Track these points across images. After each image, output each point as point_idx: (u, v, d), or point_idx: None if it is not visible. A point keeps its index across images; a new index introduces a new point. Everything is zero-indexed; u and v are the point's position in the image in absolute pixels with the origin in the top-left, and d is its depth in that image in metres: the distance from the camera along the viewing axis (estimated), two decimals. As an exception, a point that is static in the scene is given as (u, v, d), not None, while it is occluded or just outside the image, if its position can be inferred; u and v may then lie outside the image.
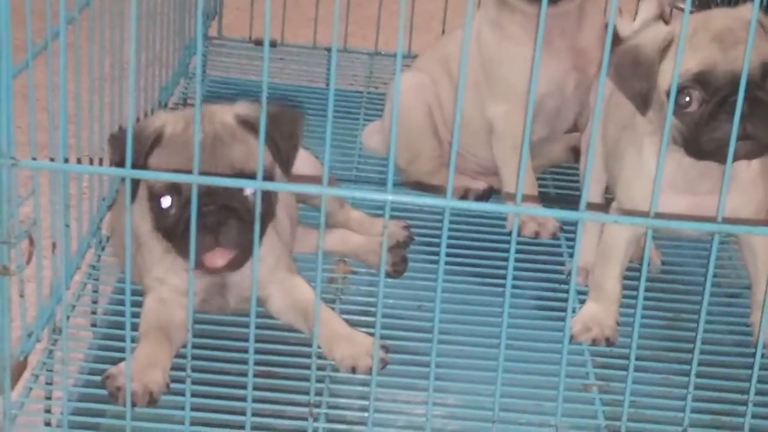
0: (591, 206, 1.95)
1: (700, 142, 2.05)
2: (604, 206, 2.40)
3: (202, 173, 1.85)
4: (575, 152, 3.04)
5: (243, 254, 2.05)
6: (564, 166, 3.08)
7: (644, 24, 2.53)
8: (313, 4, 3.58)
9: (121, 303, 2.04)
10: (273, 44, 3.64)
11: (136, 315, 2.16)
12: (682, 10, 1.88)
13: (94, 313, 2.37)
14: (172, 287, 2.19)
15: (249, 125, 2.08)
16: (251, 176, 1.88)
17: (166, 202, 2.05)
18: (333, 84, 1.79)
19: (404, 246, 2.63)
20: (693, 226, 1.88)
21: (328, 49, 3.65)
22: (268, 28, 1.67)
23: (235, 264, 2.07)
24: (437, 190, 2.87)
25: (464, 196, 2.87)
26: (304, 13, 3.76)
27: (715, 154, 2.03)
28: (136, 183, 2.03)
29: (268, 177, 2.04)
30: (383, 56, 3.67)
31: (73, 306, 2.32)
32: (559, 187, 3.01)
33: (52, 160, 1.97)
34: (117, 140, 2.10)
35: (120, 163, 2.03)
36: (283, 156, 2.08)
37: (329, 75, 1.82)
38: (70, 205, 2.17)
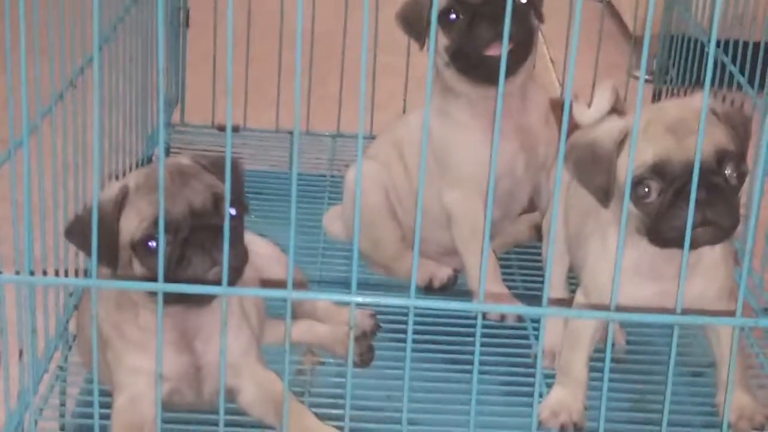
0: (553, 301, 2.00)
1: (661, 231, 2.08)
2: (568, 296, 2.42)
3: (183, 203, 2.04)
4: (538, 231, 3.07)
5: (237, 270, 2.09)
6: (527, 245, 3.11)
7: (600, 111, 2.58)
8: (275, 86, 3.62)
9: (90, 404, 2.04)
10: (236, 129, 3.67)
11: (106, 416, 2.16)
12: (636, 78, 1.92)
13: (62, 416, 2.37)
14: (146, 375, 2.19)
15: (205, 166, 2.16)
16: (223, 197, 2.03)
17: (153, 243, 2.08)
18: (295, 175, 1.82)
19: (371, 334, 2.64)
20: (654, 319, 1.92)
21: (291, 133, 3.69)
22: (229, 116, 1.70)
23: (233, 279, 2.09)
24: (403, 275, 2.89)
25: (430, 283, 2.89)
26: (267, 95, 3.80)
27: (678, 242, 2.03)
28: (114, 251, 2.06)
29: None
30: (346, 138, 3.70)
31: (41, 410, 2.32)
32: (523, 267, 3.04)
33: (17, 272, 1.98)
34: (75, 229, 2.13)
35: (87, 250, 2.08)
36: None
37: (291, 160, 1.85)
38: (36, 311, 2.17)
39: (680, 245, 2.02)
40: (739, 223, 2.09)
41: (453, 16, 2.67)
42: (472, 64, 2.69)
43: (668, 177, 2.05)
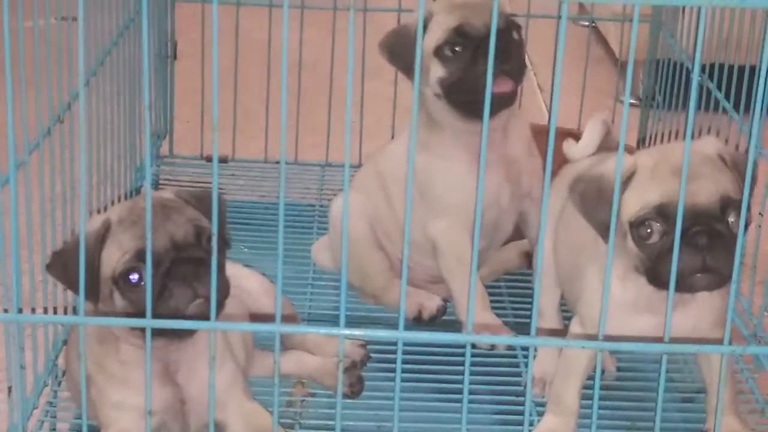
0: (543, 330, 2.00)
1: (660, 272, 2.08)
2: (561, 325, 2.41)
3: (164, 236, 2.05)
4: (528, 258, 3.07)
5: (218, 302, 2.03)
6: (517, 273, 3.11)
7: (590, 145, 2.59)
8: (264, 116, 3.62)
9: (80, 440, 2.04)
10: (224, 160, 3.68)
11: (95, 453, 2.16)
12: (623, 103, 1.93)
13: (52, 452, 2.36)
14: (130, 410, 2.18)
15: (187, 200, 2.17)
16: (207, 230, 2.08)
17: (135, 277, 2.08)
18: (282, 205, 1.82)
19: (361, 365, 2.64)
20: (642, 348, 1.93)
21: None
22: (215, 145, 1.70)
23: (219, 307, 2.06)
24: (392, 305, 2.89)
25: (419, 315, 2.89)
26: (255, 123, 3.81)
27: (677, 284, 2.00)
28: (95, 284, 2.06)
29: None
30: (334, 167, 3.70)
31: (30, 446, 2.31)
32: (513, 295, 3.04)
33: (5, 311, 1.98)
34: (56, 263, 2.14)
35: (69, 284, 2.08)
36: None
37: (280, 189, 1.86)
38: (24, 348, 2.17)
39: (678, 288, 2.01)
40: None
41: (456, 48, 2.66)
42: (468, 99, 2.66)
43: (672, 220, 2.02)
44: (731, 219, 2.07)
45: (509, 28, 2.66)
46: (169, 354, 2.18)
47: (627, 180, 2.11)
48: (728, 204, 2.06)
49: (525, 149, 2.81)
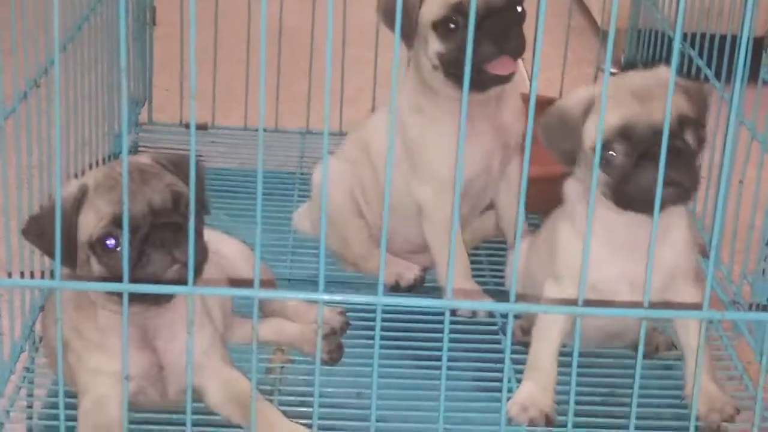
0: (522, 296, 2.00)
1: (627, 191, 2.16)
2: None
3: (142, 201, 2.05)
4: (505, 225, 3.08)
5: (197, 267, 2.02)
6: (496, 240, 3.10)
7: None
8: (244, 83, 3.60)
9: (57, 406, 2.02)
10: (204, 127, 3.66)
11: (72, 418, 2.15)
12: (604, 72, 1.95)
13: (30, 418, 2.35)
14: (108, 376, 2.17)
15: (164, 165, 2.16)
16: (184, 195, 2.07)
17: (111, 242, 2.07)
18: (260, 172, 1.81)
19: (341, 332, 2.63)
20: (621, 313, 1.94)
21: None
22: (193, 110, 1.69)
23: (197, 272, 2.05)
24: (372, 273, 2.89)
25: (396, 284, 2.88)
26: (234, 93, 3.78)
27: (643, 201, 2.13)
28: (72, 249, 2.05)
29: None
30: (314, 135, 3.68)
31: (7, 411, 2.30)
32: (493, 263, 3.04)
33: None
34: (32, 228, 2.13)
35: (45, 250, 2.07)
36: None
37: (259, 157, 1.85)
38: (1, 313, 2.16)
39: (645, 206, 2.11)
40: (699, 185, 2.19)
41: (453, 25, 2.63)
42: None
43: (633, 140, 2.14)
44: (688, 136, 2.17)
45: (513, 2, 2.63)
46: (146, 319, 2.18)
47: (587, 109, 2.21)
48: (685, 122, 2.16)
49: (517, 115, 2.80)
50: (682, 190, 2.16)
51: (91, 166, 2.96)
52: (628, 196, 2.16)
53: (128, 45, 3.49)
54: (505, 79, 2.66)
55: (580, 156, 2.23)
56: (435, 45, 2.67)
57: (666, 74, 2.22)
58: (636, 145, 2.14)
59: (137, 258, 2.05)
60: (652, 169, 2.10)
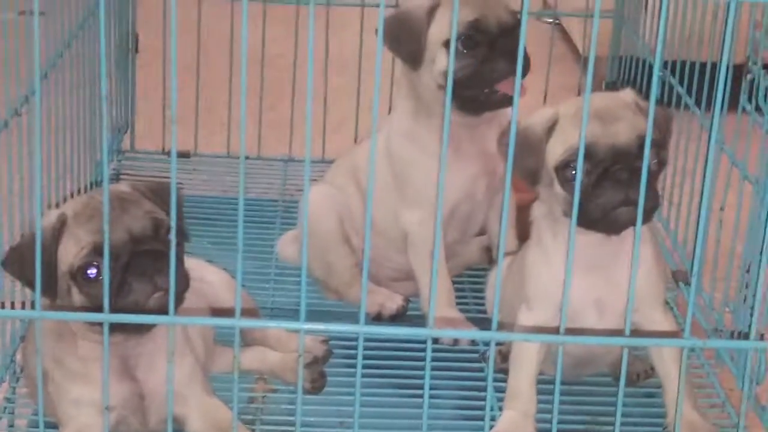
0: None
1: (588, 210, 2.17)
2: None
3: (122, 229, 2.04)
4: (488, 252, 3.08)
5: (178, 295, 2.04)
6: (479, 268, 3.10)
7: None
8: (227, 110, 3.60)
9: (38, 437, 2.01)
10: (186, 155, 3.65)
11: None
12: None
13: (9, 448, 2.34)
14: (89, 406, 2.16)
15: (143, 193, 2.16)
16: (165, 223, 2.07)
17: (92, 271, 2.06)
18: (242, 199, 1.81)
19: (323, 361, 2.62)
20: (603, 341, 1.93)
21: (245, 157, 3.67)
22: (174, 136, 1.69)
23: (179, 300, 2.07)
24: (355, 301, 2.88)
25: (379, 314, 2.87)
26: (218, 119, 3.78)
27: (603, 220, 2.19)
28: (52, 279, 2.04)
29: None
30: (297, 162, 3.68)
31: (-13, 442, 2.29)
32: (476, 290, 3.03)
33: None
34: (11, 259, 2.12)
35: (25, 280, 2.06)
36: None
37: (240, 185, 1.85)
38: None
39: (605, 224, 2.19)
40: (659, 206, 2.23)
41: (470, 43, 2.62)
42: (475, 95, 2.66)
43: (594, 159, 2.17)
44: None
45: (518, 24, 2.65)
46: (127, 349, 2.17)
47: (550, 129, 2.24)
48: (645, 143, 2.15)
49: None
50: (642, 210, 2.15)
51: (72, 195, 2.95)
52: (588, 215, 2.17)
53: (110, 72, 3.49)
54: (510, 100, 2.65)
55: (543, 175, 2.26)
56: (443, 63, 2.64)
57: (629, 97, 2.27)
58: (596, 165, 2.17)
59: (119, 287, 2.04)
60: (611, 189, 2.16)
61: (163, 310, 2.00)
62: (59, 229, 2.07)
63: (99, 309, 1.94)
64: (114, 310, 1.95)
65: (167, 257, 1.92)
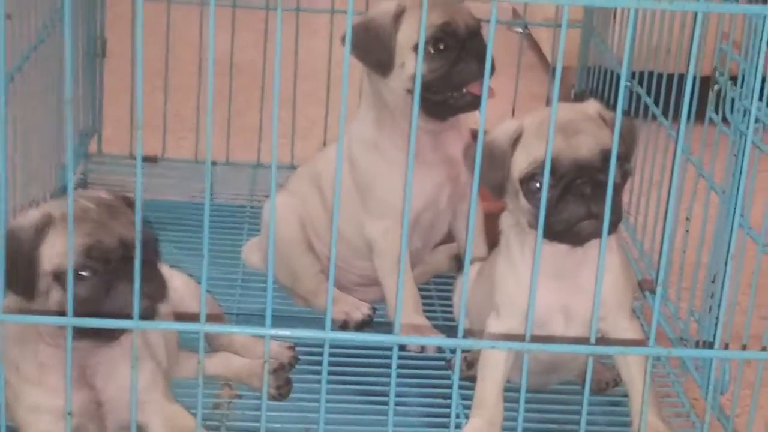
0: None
1: (551, 222, 2.18)
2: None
3: (114, 234, 2.06)
4: (457, 261, 3.08)
5: (159, 301, 2.11)
6: (447, 276, 3.10)
7: None
8: (195, 115, 3.58)
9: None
10: (153, 159, 3.63)
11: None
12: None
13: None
14: (47, 413, 2.14)
15: (127, 203, 2.17)
16: (150, 234, 2.09)
17: (85, 273, 2.06)
18: (207, 205, 1.80)
19: (289, 367, 2.62)
20: (568, 349, 1.94)
21: (212, 163, 3.66)
22: (140, 142, 1.68)
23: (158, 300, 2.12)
24: (321, 308, 2.87)
25: (345, 323, 2.86)
26: (186, 125, 3.77)
27: (566, 232, 2.21)
28: (32, 279, 2.04)
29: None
30: (266, 168, 3.67)
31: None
32: (443, 297, 3.03)
33: None
34: None
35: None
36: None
37: (206, 190, 1.84)
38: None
39: (568, 237, 2.21)
40: (622, 219, 2.23)
41: (440, 46, 2.64)
42: (443, 98, 2.67)
43: (557, 173, 2.18)
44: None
45: (480, 28, 2.67)
46: (86, 357, 2.15)
47: (515, 141, 2.25)
48: (608, 156, 2.14)
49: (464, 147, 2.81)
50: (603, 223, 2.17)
51: (44, 199, 2.93)
52: (552, 228, 2.18)
53: (77, 76, 3.46)
54: (478, 102, 2.65)
55: (508, 187, 2.27)
56: (411, 67, 2.64)
57: (592, 109, 2.28)
58: (559, 179, 2.18)
59: (106, 290, 2.04)
60: (573, 203, 2.17)
61: (149, 316, 2.05)
62: (42, 228, 2.06)
63: (85, 312, 1.95)
64: (99, 314, 1.95)
65: (154, 266, 1.99)
